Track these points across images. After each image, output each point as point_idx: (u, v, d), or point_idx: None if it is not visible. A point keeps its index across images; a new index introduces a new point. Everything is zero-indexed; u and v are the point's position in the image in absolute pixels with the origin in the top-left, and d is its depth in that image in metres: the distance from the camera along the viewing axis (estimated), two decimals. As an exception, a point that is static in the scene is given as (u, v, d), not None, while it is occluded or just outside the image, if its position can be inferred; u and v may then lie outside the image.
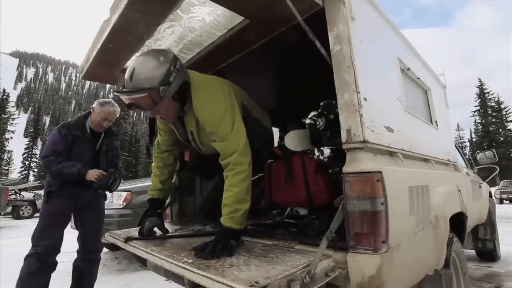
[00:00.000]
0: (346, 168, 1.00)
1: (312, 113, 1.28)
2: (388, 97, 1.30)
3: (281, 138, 1.47)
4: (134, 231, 1.51)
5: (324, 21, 1.12)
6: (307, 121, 1.26)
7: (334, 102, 1.12)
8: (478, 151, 3.55)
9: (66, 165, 1.96)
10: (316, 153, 1.17)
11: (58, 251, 1.97)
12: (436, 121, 1.91)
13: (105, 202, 2.34)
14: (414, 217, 1.15)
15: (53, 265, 1.96)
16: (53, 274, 1.96)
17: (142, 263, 1.19)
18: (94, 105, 2.15)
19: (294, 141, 1.40)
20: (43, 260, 1.87)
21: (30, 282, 1.84)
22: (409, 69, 1.61)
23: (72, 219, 2.33)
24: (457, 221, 1.68)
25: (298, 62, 1.77)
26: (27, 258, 1.88)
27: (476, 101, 39.07)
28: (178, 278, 1.27)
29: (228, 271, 0.82)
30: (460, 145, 43.11)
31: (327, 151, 1.16)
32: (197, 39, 1.49)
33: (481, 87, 38.80)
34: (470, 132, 44.47)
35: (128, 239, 1.32)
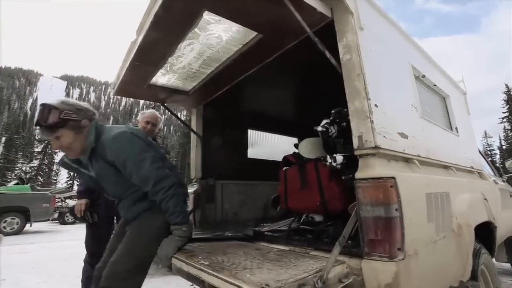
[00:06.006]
0: (358, 174, 1.00)
1: (324, 121, 1.30)
2: (402, 104, 1.30)
3: (295, 146, 1.49)
4: None
5: (335, 32, 1.16)
6: (319, 128, 1.28)
7: (345, 109, 1.14)
8: (510, 159, 3.34)
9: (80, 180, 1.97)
10: (329, 160, 1.18)
11: None
12: (456, 128, 1.85)
13: None
14: (434, 225, 1.11)
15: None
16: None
17: (169, 267, 1.24)
18: (138, 117, 2.27)
19: (307, 148, 1.42)
20: (93, 266, 1.98)
21: (89, 285, 1.99)
22: (424, 76, 1.60)
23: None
24: (485, 231, 1.59)
25: (313, 73, 1.82)
26: (84, 263, 2.05)
27: (504, 107, 36.69)
28: (198, 281, 1.31)
29: (241, 273, 0.85)
30: (489, 152, 40.28)
31: (339, 157, 1.16)
32: (215, 54, 1.58)
33: (508, 92, 36.44)
34: (500, 139, 41.45)
35: None
